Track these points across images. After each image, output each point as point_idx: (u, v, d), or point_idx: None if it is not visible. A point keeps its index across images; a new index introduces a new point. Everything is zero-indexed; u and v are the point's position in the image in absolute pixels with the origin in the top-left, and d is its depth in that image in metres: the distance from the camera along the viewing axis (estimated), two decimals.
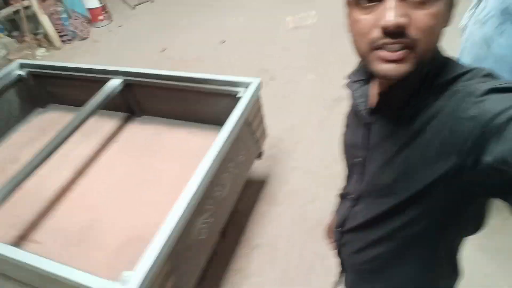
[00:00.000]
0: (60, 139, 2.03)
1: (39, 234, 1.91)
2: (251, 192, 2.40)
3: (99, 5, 4.58)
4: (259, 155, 2.29)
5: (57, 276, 1.33)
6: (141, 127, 2.47)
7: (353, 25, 0.59)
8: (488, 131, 0.49)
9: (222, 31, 4.16)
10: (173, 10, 4.85)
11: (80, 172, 2.21)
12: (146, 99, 2.45)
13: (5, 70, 2.57)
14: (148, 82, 2.27)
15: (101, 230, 1.88)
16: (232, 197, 1.95)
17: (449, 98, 0.57)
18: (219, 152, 1.65)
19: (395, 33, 0.53)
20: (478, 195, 0.60)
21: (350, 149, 0.82)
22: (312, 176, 2.44)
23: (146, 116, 2.52)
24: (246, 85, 1.99)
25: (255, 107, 2.03)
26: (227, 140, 1.71)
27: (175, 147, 2.25)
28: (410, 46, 0.54)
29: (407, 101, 0.63)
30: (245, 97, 1.90)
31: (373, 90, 0.72)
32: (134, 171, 2.15)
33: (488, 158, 0.49)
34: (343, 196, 0.92)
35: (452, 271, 0.80)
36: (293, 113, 2.90)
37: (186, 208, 1.45)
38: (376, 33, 0.54)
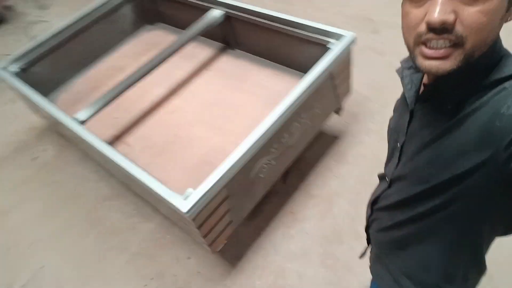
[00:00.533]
0: (161, 58, 2.25)
1: (132, 138, 2.23)
2: (322, 145, 2.43)
3: None
4: (338, 111, 2.27)
5: (135, 178, 1.59)
6: (233, 59, 2.59)
7: (403, 17, 0.59)
8: None
9: None
10: None
11: (172, 92, 2.45)
12: (242, 34, 2.52)
13: None
14: (246, 17, 2.31)
15: (181, 147, 2.12)
16: (299, 147, 2.02)
17: (495, 95, 0.57)
18: (293, 102, 1.69)
19: (440, 29, 0.52)
20: (508, 195, 0.59)
21: (393, 133, 0.84)
22: (386, 145, 2.36)
23: (239, 50, 2.62)
24: (338, 37, 1.93)
25: (344, 62, 1.98)
26: (305, 91, 1.73)
27: (259, 85, 2.33)
28: (456, 43, 0.53)
29: (452, 94, 0.62)
30: (333, 49, 1.86)
31: (423, 79, 0.72)
32: (219, 100, 2.32)
33: None
34: (381, 177, 0.93)
35: (475, 264, 0.80)
36: (388, 74, 2.72)
37: (251, 147, 1.57)
38: (423, 27, 0.54)
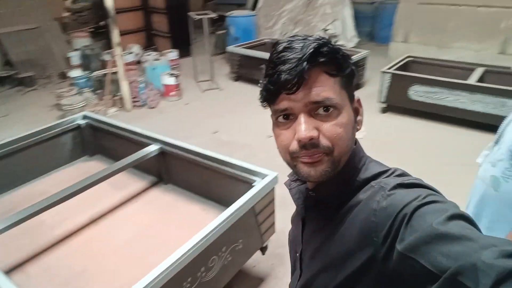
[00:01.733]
0: (85, 184, 2.21)
1: (34, 268, 1.99)
2: (246, 287, 2.31)
3: (174, 83, 5.19)
4: (262, 250, 2.25)
5: None
6: (164, 192, 2.61)
7: (276, 139, 0.69)
8: (398, 221, 0.54)
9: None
10: (237, 100, 5.31)
11: (94, 220, 2.34)
12: (175, 169, 2.62)
13: (70, 117, 2.97)
14: (180, 154, 2.45)
15: (88, 280, 1.91)
16: (219, 284, 1.90)
17: (364, 193, 0.65)
18: (210, 234, 1.67)
19: (309, 144, 0.62)
20: None
21: (292, 245, 0.86)
22: None
23: (171, 185, 2.67)
24: (262, 176, 2.07)
25: (266, 199, 2.08)
26: (223, 223, 1.74)
27: (185, 219, 2.32)
28: (325, 152, 0.63)
29: (331, 197, 0.70)
30: (256, 187, 1.97)
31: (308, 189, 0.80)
32: (142, 232, 2.23)
33: (399, 246, 0.52)
34: None
35: None
36: None
37: (157, 278, 1.46)
38: (295, 145, 0.64)
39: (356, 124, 0.70)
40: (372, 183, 0.66)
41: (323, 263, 0.69)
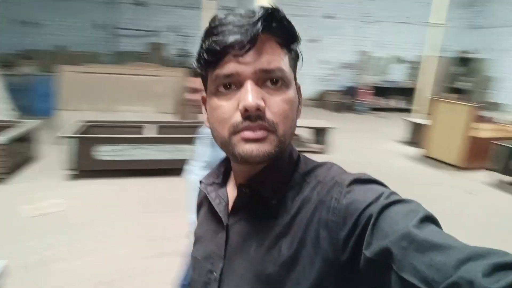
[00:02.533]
0: None
1: None
2: None
3: None
4: None
5: None
6: None
7: (213, 112, 0.60)
8: (362, 223, 0.50)
9: None
10: None
11: None
12: None
13: None
14: None
15: None
16: None
17: (313, 189, 0.59)
18: None
19: (254, 115, 0.55)
20: None
21: (203, 265, 0.69)
22: None
23: None
24: None
25: None
26: None
27: None
28: (269, 129, 0.56)
29: (272, 192, 0.62)
30: None
31: (230, 191, 0.70)
32: None
33: (367, 252, 0.48)
34: None
35: None
36: None
37: None
38: (237, 117, 0.56)
39: (299, 110, 0.64)
40: (320, 178, 0.61)
41: (271, 275, 0.57)
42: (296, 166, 0.65)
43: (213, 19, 0.58)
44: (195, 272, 0.73)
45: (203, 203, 0.78)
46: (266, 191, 0.62)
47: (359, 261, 0.49)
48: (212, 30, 0.57)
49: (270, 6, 0.56)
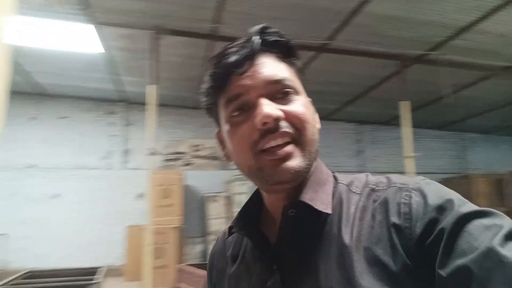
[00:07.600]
0: None
1: None
2: None
3: None
4: None
5: None
6: None
7: (232, 140, 0.57)
8: (436, 230, 0.46)
9: None
10: None
11: None
12: None
13: None
14: None
15: None
16: None
17: (368, 197, 0.55)
18: None
19: (274, 127, 0.53)
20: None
21: None
22: None
23: None
24: None
25: None
26: None
27: None
28: (293, 138, 0.54)
29: (320, 206, 0.56)
30: None
31: (266, 227, 0.63)
32: None
33: (441, 270, 0.43)
34: None
35: None
36: None
37: None
38: (257, 134, 0.54)
39: (316, 120, 0.61)
40: (371, 185, 0.57)
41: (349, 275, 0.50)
42: (331, 178, 0.62)
43: (214, 55, 0.59)
44: None
45: (233, 257, 0.68)
46: (317, 203, 0.56)
47: (432, 273, 0.45)
48: (214, 60, 0.58)
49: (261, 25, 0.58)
